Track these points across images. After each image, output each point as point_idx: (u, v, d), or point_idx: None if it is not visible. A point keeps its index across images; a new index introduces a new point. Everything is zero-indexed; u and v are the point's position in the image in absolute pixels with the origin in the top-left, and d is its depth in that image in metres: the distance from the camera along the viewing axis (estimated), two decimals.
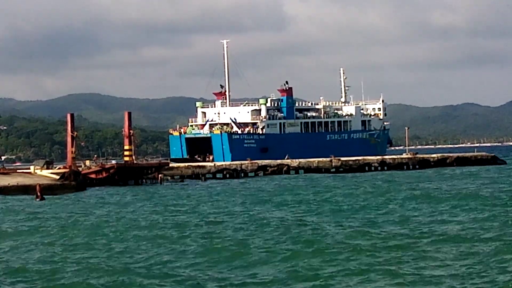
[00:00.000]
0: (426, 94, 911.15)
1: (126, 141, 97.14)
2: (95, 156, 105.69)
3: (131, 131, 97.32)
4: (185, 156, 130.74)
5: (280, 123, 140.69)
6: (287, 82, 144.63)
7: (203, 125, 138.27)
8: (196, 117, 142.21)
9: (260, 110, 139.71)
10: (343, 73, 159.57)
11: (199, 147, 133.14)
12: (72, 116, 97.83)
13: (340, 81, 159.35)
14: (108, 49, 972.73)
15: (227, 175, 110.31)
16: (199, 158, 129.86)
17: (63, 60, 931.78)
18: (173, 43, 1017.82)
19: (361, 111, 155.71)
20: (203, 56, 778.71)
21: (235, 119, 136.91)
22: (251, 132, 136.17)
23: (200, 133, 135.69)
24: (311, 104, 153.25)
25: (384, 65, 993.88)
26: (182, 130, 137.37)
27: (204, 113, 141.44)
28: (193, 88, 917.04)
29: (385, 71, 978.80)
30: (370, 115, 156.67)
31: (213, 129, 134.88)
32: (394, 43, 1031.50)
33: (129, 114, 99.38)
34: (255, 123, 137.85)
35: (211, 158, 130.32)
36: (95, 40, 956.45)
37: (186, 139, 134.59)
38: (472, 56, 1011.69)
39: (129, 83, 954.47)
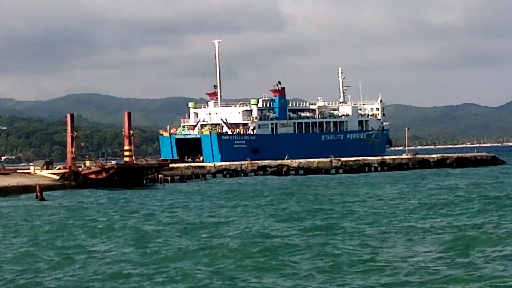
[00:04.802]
0: (425, 94, 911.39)
1: (126, 141, 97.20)
2: (88, 156, 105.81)
3: (131, 132, 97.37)
4: (175, 157, 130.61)
5: (272, 124, 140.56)
6: (279, 82, 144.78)
7: (195, 126, 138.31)
8: (188, 117, 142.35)
9: (251, 110, 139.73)
10: (342, 73, 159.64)
11: (189, 148, 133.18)
12: (72, 116, 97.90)
13: (339, 81, 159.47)
14: (105, 48, 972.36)
15: (227, 175, 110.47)
16: (189, 159, 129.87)
17: (61, 60, 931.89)
18: (171, 43, 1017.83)
19: (359, 111, 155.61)
20: (201, 56, 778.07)
21: (226, 119, 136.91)
22: (242, 132, 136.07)
23: (189, 134, 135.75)
24: (307, 104, 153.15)
25: (383, 65, 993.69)
26: (172, 130, 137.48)
27: (196, 113, 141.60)
28: (192, 88, 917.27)
29: (385, 71, 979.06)
30: (368, 115, 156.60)
31: (203, 129, 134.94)
32: (392, 43, 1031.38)
33: (129, 114, 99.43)
34: (246, 124, 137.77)
35: (201, 159, 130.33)
36: (91, 39, 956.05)
37: (176, 140, 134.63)
38: (472, 56, 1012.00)
39: (129, 83, 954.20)
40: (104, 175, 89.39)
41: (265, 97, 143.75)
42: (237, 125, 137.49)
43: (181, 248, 35.52)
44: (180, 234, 41.07)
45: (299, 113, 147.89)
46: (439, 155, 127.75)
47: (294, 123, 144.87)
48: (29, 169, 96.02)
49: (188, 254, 33.69)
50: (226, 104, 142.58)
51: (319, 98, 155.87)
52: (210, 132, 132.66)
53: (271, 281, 27.65)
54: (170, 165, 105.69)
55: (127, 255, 34.40)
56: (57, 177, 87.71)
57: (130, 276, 29.25)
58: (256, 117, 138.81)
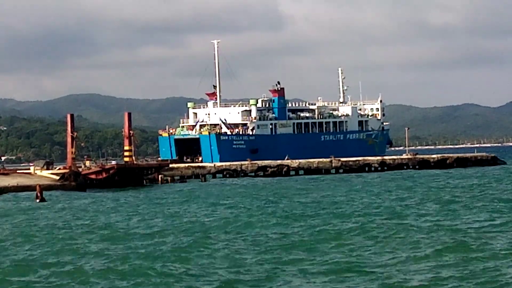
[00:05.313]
0: (426, 94, 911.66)
1: (126, 141, 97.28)
2: (85, 156, 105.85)
3: (131, 132, 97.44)
4: (174, 157, 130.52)
5: (271, 124, 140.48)
6: (279, 83, 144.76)
7: (194, 126, 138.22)
8: (187, 117, 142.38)
9: (250, 110, 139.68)
10: (342, 73, 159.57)
11: (188, 148, 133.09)
12: (72, 116, 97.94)
13: (339, 81, 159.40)
14: (105, 48, 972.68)
15: (227, 175, 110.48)
16: (187, 160, 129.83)
17: (61, 60, 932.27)
18: (170, 43, 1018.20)
19: (359, 111, 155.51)
20: (201, 56, 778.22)
21: (225, 119, 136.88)
22: (241, 133, 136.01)
23: (188, 134, 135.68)
24: (306, 104, 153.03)
25: (383, 65, 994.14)
26: (171, 131, 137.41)
27: (195, 113, 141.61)
28: (193, 89, 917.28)
29: (385, 71, 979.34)
30: (368, 115, 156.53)
31: (202, 130, 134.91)
32: (392, 43, 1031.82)
33: (129, 114, 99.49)
34: (245, 124, 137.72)
35: (200, 159, 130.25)
36: (91, 39, 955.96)
37: (175, 140, 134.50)
38: (472, 56, 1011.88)
39: (129, 83, 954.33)
40: (104, 175, 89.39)
41: (264, 97, 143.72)
42: (236, 125, 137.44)
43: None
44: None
45: (298, 113, 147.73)
46: (439, 155, 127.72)
47: (294, 123, 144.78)
48: (29, 169, 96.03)
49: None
50: (225, 104, 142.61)
51: (319, 98, 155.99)
52: (209, 133, 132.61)
53: None
54: (170, 165, 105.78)
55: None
56: (57, 177, 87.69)
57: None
58: (255, 117, 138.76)
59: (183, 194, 74.43)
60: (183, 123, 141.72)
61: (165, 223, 46.89)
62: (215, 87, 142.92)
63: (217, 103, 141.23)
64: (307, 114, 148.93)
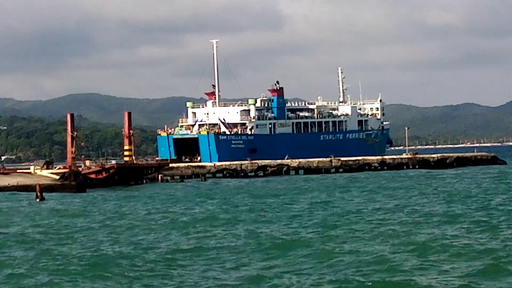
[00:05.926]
0: (426, 94, 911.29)
1: (126, 141, 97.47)
2: (83, 156, 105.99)
3: (131, 131, 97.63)
4: (173, 157, 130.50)
5: (270, 124, 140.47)
6: (278, 82, 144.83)
7: (193, 126, 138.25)
8: (186, 117, 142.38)
9: (249, 110, 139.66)
10: (341, 72, 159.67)
11: (187, 147, 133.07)
12: (72, 116, 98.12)
13: (338, 81, 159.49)
14: (104, 48, 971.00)
15: (227, 175, 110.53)
16: (186, 159, 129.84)
17: (60, 60, 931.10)
18: (170, 42, 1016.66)
19: (358, 111, 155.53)
20: (201, 56, 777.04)
21: (224, 119, 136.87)
22: (240, 132, 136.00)
23: (187, 134, 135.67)
24: (305, 104, 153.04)
25: (382, 64, 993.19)
26: (170, 130, 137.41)
27: (194, 113, 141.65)
28: (193, 88, 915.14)
29: (384, 71, 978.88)
30: (368, 115, 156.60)
31: (201, 129, 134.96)
32: (392, 43, 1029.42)
33: (129, 114, 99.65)
34: (244, 124, 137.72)
35: (198, 159, 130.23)
36: (91, 39, 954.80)
37: (174, 139, 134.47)
38: (472, 56, 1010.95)
39: (129, 83, 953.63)
40: (104, 175, 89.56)
41: (263, 97, 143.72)
42: (235, 125, 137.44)
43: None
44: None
45: (297, 112, 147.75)
46: (439, 154, 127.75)
47: (293, 123, 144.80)
48: (29, 168, 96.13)
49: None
50: (224, 104, 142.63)
51: (318, 97, 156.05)
52: (208, 132, 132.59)
53: None
54: (170, 165, 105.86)
55: None
56: (57, 177, 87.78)
57: None
58: (254, 117, 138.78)
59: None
60: (182, 122, 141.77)
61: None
62: (214, 86, 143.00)
63: (216, 102, 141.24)
64: (306, 114, 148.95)
